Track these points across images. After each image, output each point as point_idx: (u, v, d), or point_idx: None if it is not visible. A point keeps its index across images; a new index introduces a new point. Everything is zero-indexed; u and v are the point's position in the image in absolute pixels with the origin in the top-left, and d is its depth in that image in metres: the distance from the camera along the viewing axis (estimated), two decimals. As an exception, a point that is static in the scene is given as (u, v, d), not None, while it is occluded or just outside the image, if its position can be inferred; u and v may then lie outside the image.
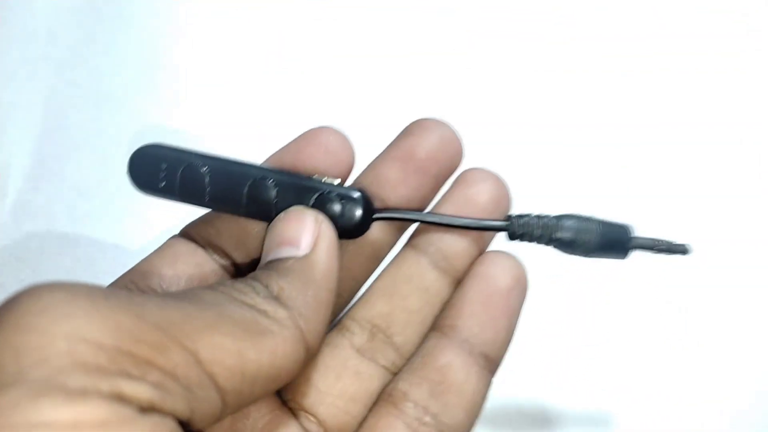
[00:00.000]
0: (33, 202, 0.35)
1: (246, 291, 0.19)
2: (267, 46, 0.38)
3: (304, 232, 0.21)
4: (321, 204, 0.22)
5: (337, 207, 0.22)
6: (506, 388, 0.31)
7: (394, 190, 0.23)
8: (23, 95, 0.36)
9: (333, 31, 0.38)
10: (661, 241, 0.23)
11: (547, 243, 0.23)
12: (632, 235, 0.23)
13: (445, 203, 0.24)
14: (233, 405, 0.17)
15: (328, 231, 0.21)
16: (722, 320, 0.34)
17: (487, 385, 0.23)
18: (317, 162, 0.22)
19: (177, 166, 0.22)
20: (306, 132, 0.23)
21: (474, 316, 0.22)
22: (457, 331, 0.22)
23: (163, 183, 0.22)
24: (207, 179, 0.22)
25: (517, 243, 0.23)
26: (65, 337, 0.14)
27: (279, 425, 0.22)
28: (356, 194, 0.22)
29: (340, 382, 0.23)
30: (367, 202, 0.22)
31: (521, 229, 0.22)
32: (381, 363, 0.23)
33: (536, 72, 0.37)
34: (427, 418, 0.22)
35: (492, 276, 0.23)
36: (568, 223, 0.22)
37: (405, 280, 0.24)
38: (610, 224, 0.23)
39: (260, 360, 0.17)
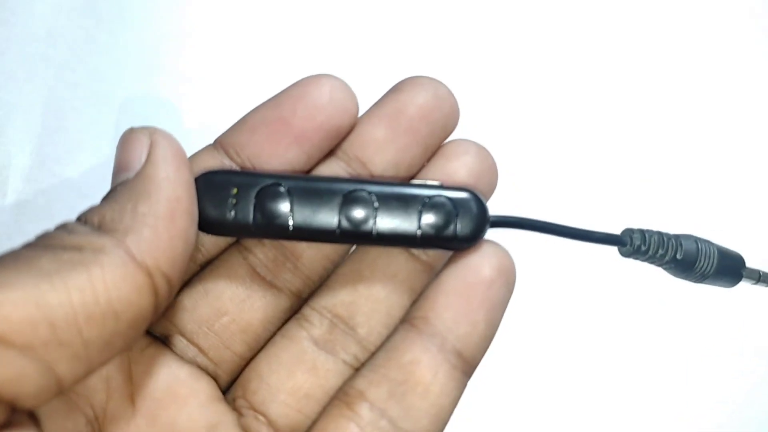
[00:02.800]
0: (33, 203, 0.35)
1: (57, 235, 0.16)
2: (268, 46, 0.38)
3: (135, 151, 0.17)
4: (428, 212, 0.19)
5: (447, 214, 0.19)
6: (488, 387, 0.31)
7: (379, 151, 0.21)
8: (23, 96, 0.36)
9: (334, 32, 0.38)
10: (766, 274, 0.22)
11: (663, 263, 0.21)
12: (745, 266, 0.22)
13: (420, 178, 0.21)
14: (61, 360, 0.14)
15: (164, 140, 0.18)
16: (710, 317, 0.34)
17: (459, 387, 0.20)
18: (321, 112, 0.20)
19: (250, 190, 0.19)
20: (305, 78, 0.20)
21: (449, 308, 0.19)
22: (428, 324, 0.20)
23: (233, 213, 0.19)
24: (289, 202, 0.19)
25: (630, 260, 0.21)
26: None
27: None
28: (469, 197, 0.19)
29: (293, 378, 0.21)
30: (482, 206, 0.19)
31: (638, 244, 0.21)
32: (341, 357, 0.21)
33: (536, 72, 0.37)
34: (383, 423, 0.19)
35: (473, 265, 0.20)
36: (689, 245, 0.21)
37: (371, 266, 0.21)
38: (727, 252, 0.22)
39: (70, 301, 0.14)
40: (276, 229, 0.19)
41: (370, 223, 0.19)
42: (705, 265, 0.21)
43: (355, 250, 0.22)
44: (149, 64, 0.37)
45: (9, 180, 0.35)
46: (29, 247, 0.15)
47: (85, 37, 0.37)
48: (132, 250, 0.15)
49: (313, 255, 0.21)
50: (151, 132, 0.18)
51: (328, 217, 0.19)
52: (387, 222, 0.19)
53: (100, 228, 0.16)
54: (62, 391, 0.15)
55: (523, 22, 0.38)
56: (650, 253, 0.21)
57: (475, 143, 0.21)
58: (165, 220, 0.16)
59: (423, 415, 0.19)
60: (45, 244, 0.15)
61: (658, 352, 0.33)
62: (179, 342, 0.21)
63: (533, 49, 0.37)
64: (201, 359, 0.21)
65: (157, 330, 0.21)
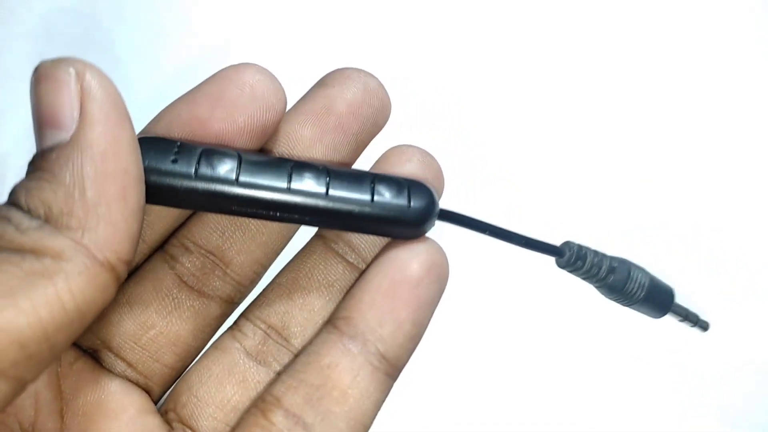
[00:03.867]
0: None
1: (3, 231, 0.14)
2: (267, 44, 0.37)
3: (63, 100, 0.15)
4: (380, 188, 0.18)
5: (399, 192, 0.18)
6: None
7: (307, 150, 0.19)
8: (20, 95, 0.36)
9: (334, 31, 0.38)
10: (692, 314, 0.23)
11: (594, 281, 0.22)
12: (674, 301, 0.23)
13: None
14: (29, 371, 0.14)
15: (98, 86, 0.15)
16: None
17: (383, 390, 0.19)
18: (242, 112, 0.18)
19: (194, 149, 0.17)
20: (224, 70, 0.19)
21: (373, 308, 0.18)
22: (350, 324, 0.18)
23: (174, 161, 0.17)
24: (236, 165, 0.17)
25: (563, 272, 0.22)
26: None
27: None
28: (420, 183, 0.18)
29: (222, 391, 0.20)
30: (431, 194, 0.18)
31: (574, 259, 0.21)
32: (274, 368, 0.20)
33: (536, 72, 0.37)
34: (298, 430, 0.18)
35: (401, 261, 0.18)
36: (622, 269, 0.21)
37: (307, 275, 0.20)
38: (658, 284, 0.22)
39: (39, 319, 0.13)
40: (221, 185, 0.17)
41: (321, 191, 0.17)
42: (634, 292, 0.21)
43: (294, 258, 0.21)
44: (147, 63, 0.37)
45: (6, 179, 0.35)
46: None
47: (82, 35, 0.37)
48: (92, 249, 0.14)
49: (243, 260, 0.20)
50: (78, 72, 0.15)
51: (278, 181, 0.17)
52: (339, 193, 0.17)
53: (48, 221, 0.14)
54: (21, 392, 0.14)
55: (513, 26, 0.38)
56: (583, 269, 0.21)
57: (419, 149, 0.20)
58: (118, 201, 0.15)
59: (340, 419, 0.18)
60: None
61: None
62: (107, 356, 0.20)
63: (527, 51, 0.37)
64: (130, 373, 0.20)
65: (84, 343, 0.20)
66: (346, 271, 0.21)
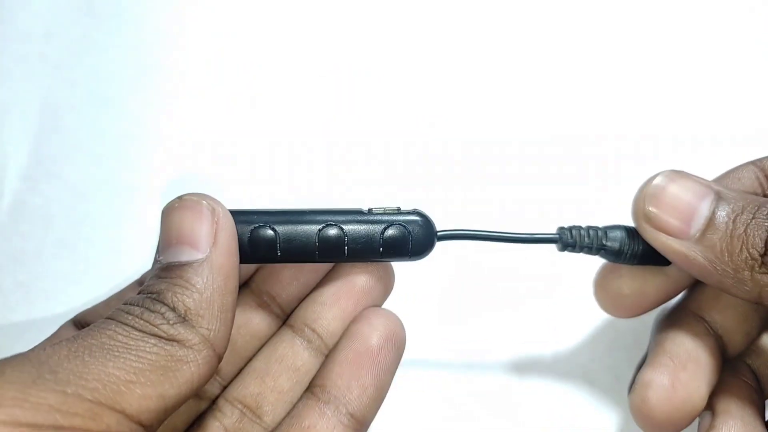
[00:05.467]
0: (30, 203, 0.35)
1: (155, 320, 0.19)
2: (266, 44, 0.37)
3: (203, 228, 0.20)
4: (390, 232, 0.23)
5: (404, 232, 0.23)
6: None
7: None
8: (20, 95, 0.36)
9: (330, 33, 0.38)
10: None
11: (596, 252, 0.24)
12: None
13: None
14: (157, 428, 0.19)
15: (226, 223, 0.20)
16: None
17: None
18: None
19: (245, 229, 0.22)
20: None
21: (342, 376, 0.23)
22: (325, 391, 0.23)
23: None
24: (277, 236, 0.22)
25: (567, 253, 0.24)
26: (3, 425, 0.15)
27: None
28: (420, 218, 0.23)
29: None
30: (430, 224, 0.23)
31: (571, 239, 0.24)
32: None
33: (536, 74, 0.37)
34: None
35: (362, 335, 0.23)
36: (615, 233, 0.24)
37: (277, 361, 0.24)
38: None
39: (180, 392, 0.18)
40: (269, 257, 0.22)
41: (341, 248, 0.23)
42: (633, 248, 0.24)
43: (265, 346, 0.25)
44: (147, 63, 0.37)
45: (6, 180, 0.35)
46: (136, 330, 0.18)
47: (82, 36, 0.37)
48: (214, 345, 0.19)
49: (227, 358, 0.24)
50: (217, 212, 0.20)
51: (309, 247, 0.23)
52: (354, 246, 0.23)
53: (186, 318, 0.19)
54: None
55: (512, 25, 0.38)
56: (579, 245, 0.24)
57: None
58: (231, 311, 0.20)
59: None
60: (151, 331, 0.18)
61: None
62: None
63: (523, 51, 0.37)
64: None
65: None
66: (312, 356, 0.24)
